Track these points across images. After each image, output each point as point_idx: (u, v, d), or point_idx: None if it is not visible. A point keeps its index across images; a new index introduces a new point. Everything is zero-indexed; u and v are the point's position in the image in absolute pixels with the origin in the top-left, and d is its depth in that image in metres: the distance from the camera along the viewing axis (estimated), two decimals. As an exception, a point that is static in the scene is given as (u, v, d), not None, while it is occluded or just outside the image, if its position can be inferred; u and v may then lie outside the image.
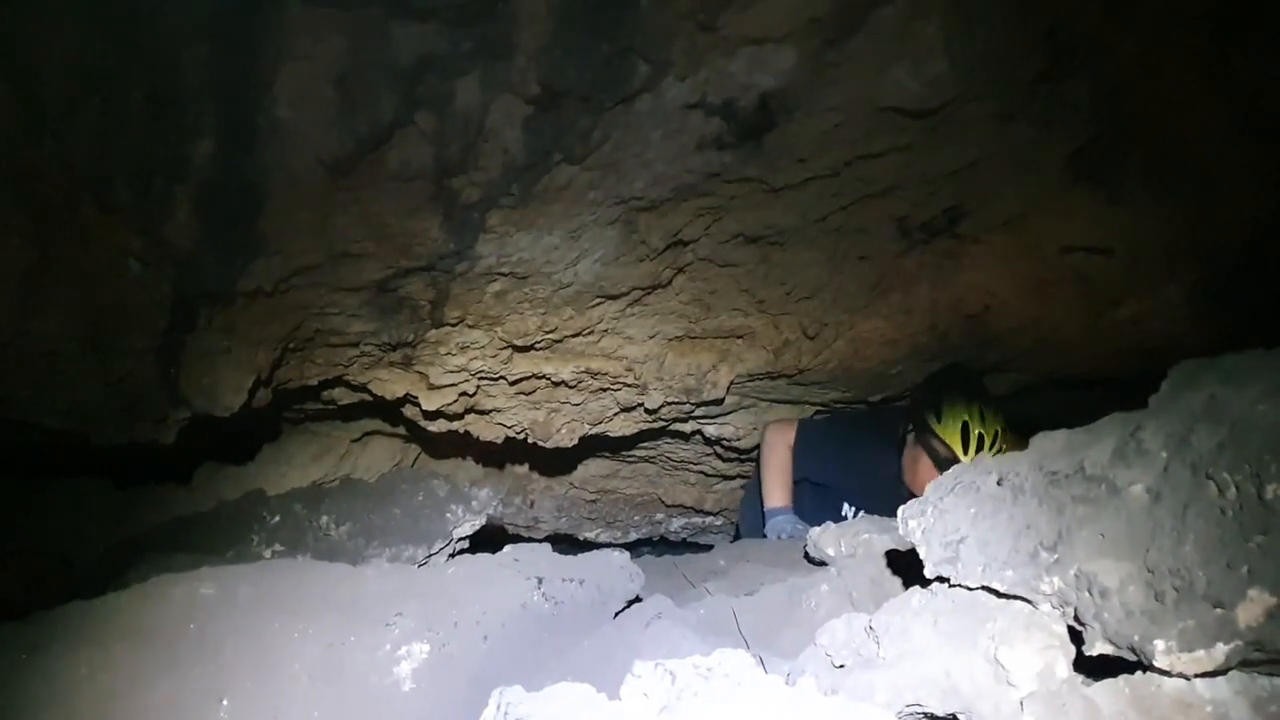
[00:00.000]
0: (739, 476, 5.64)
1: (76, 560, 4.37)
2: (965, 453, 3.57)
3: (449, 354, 3.92)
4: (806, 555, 3.16)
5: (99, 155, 2.74)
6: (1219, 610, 1.16)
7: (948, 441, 3.62)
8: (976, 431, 3.59)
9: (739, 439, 4.91)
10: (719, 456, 5.33)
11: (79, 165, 2.73)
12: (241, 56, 2.67)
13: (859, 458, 4.10)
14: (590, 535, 6.30)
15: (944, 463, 3.58)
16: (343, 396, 4.21)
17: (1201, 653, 1.17)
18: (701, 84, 2.86)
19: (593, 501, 5.97)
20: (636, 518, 6.28)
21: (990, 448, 3.59)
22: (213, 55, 2.65)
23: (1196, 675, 1.21)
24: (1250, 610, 1.14)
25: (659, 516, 6.28)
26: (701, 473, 5.68)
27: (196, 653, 1.98)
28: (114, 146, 2.74)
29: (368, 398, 4.16)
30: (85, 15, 2.53)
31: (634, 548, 6.42)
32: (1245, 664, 1.19)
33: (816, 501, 4.16)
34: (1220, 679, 1.23)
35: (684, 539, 6.60)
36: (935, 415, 3.68)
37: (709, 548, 5.42)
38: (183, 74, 2.68)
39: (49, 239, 2.81)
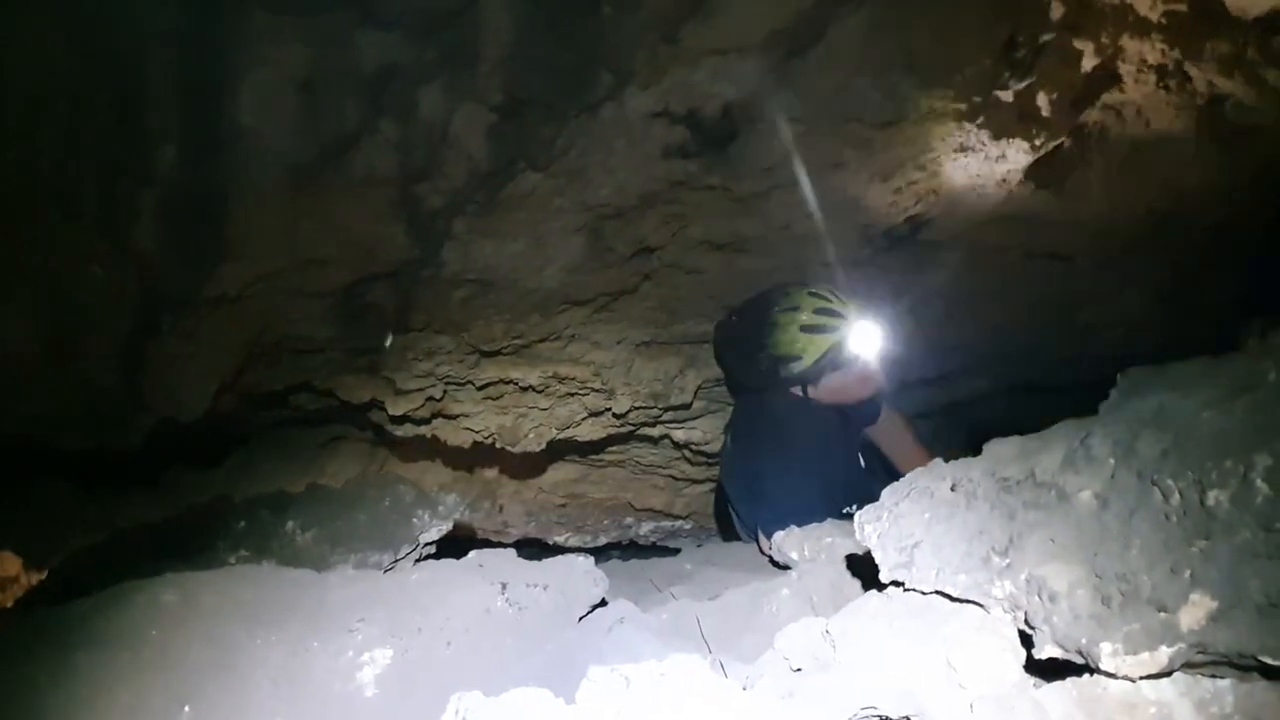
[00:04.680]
0: (708, 480, 5.65)
1: (39, 566, 4.34)
2: (840, 318, 3.46)
3: (415, 359, 3.92)
4: (771, 559, 3.17)
5: (62, 160, 2.73)
6: (1163, 614, 1.18)
7: (815, 348, 3.46)
8: (810, 314, 3.44)
9: (707, 443, 4.92)
10: (688, 460, 5.34)
11: (42, 170, 2.72)
12: (206, 63, 2.68)
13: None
14: (560, 540, 6.28)
15: (838, 357, 3.47)
16: (309, 402, 4.20)
17: (1146, 655, 1.19)
18: (665, 93, 2.88)
19: (562, 506, 5.96)
20: (606, 522, 6.27)
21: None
22: (177, 61, 2.66)
23: (1141, 677, 1.23)
24: (1192, 613, 1.16)
25: (629, 521, 6.26)
26: (670, 477, 5.68)
27: (159, 659, 1.97)
28: (78, 152, 2.73)
29: (334, 403, 4.15)
30: (49, 21, 2.52)
31: (604, 552, 6.41)
32: (1188, 666, 1.21)
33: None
34: (1164, 681, 1.25)
35: (654, 543, 6.59)
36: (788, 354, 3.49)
37: (679, 551, 5.43)
38: (147, 80, 2.68)
39: (11, 244, 2.79)
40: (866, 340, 3.46)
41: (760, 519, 3.49)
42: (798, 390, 3.57)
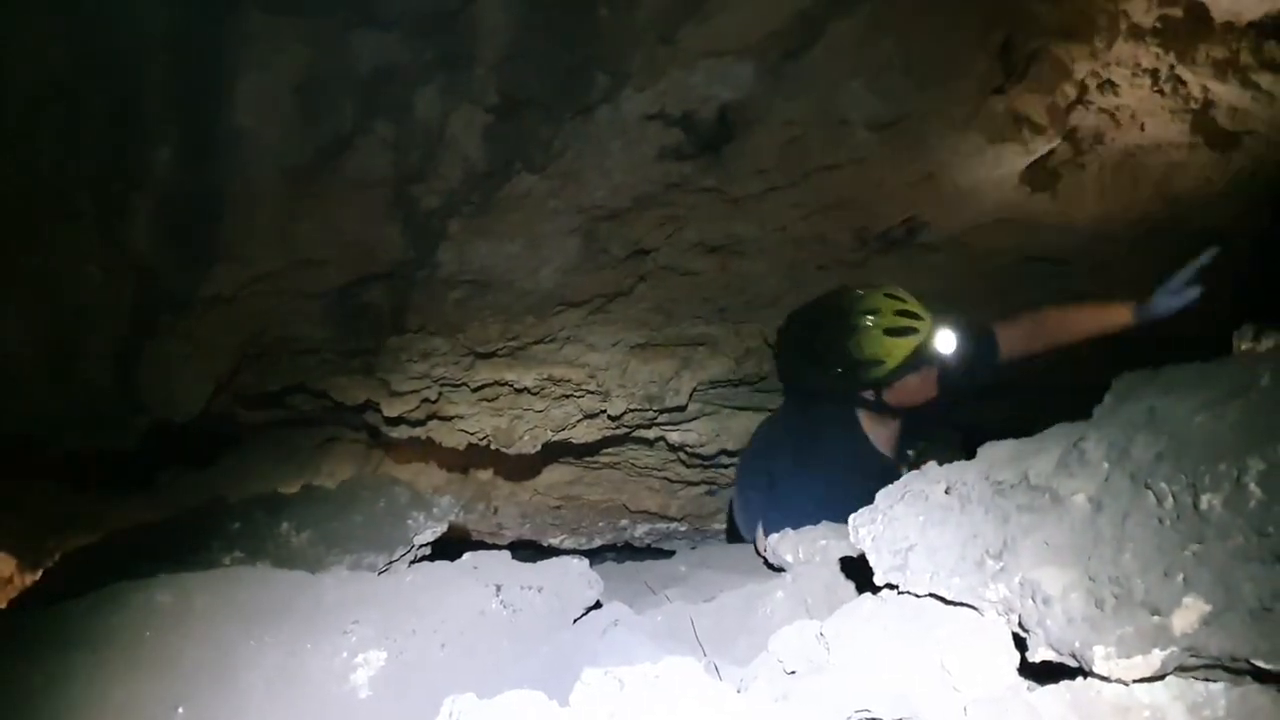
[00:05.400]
0: (703, 483, 5.65)
1: (33, 566, 4.34)
2: (921, 320, 3.31)
3: (410, 361, 3.91)
4: (766, 562, 3.17)
5: (60, 162, 2.73)
6: (1156, 617, 1.18)
7: (895, 353, 3.30)
8: (892, 316, 3.29)
9: (702, 445, 4.92)
10: (683, 463, 5.34)
11: (41, 171, 2.72)
12: (202, 65, 2.67)
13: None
14: (554, 542, 6.28)
15: (920, 359, 3.33)
16: (304, 403, 4.19)
17: (1139, 659, 1.19)
18: (661, 95, 2.89)
19: (557, 508, 5.96)
20: (601, 524, 6.27)
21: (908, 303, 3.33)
22: (173, 63, 2.65)
23: (1135, 680, 1.23)
24: (1185, 617, 1.16)
25: (623, 523, 6.26)
26: (665, 479, 5.68)
27: (153, 661, 1.98)
28: (76, 153, 2.73)
29: (329, 404, 4.15)
30: (46, 24, 2.52)
31: (599, 554, 6.41)
32: (1181, 669, 1.22)
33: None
34: (1158, 684, 1.25)
35: (649, 545, 6.59)
36: (863, 360, 3.31)
37: (674, 554, 5.43)
38: (143, 82, 2.68)
39: (9, 245, 2.80)
40: (944, 341, 3.39)
41: (769, 517, 3.45)
42: (869, 394, 3.51)
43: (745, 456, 3.95)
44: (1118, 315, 3.44)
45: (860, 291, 3.39)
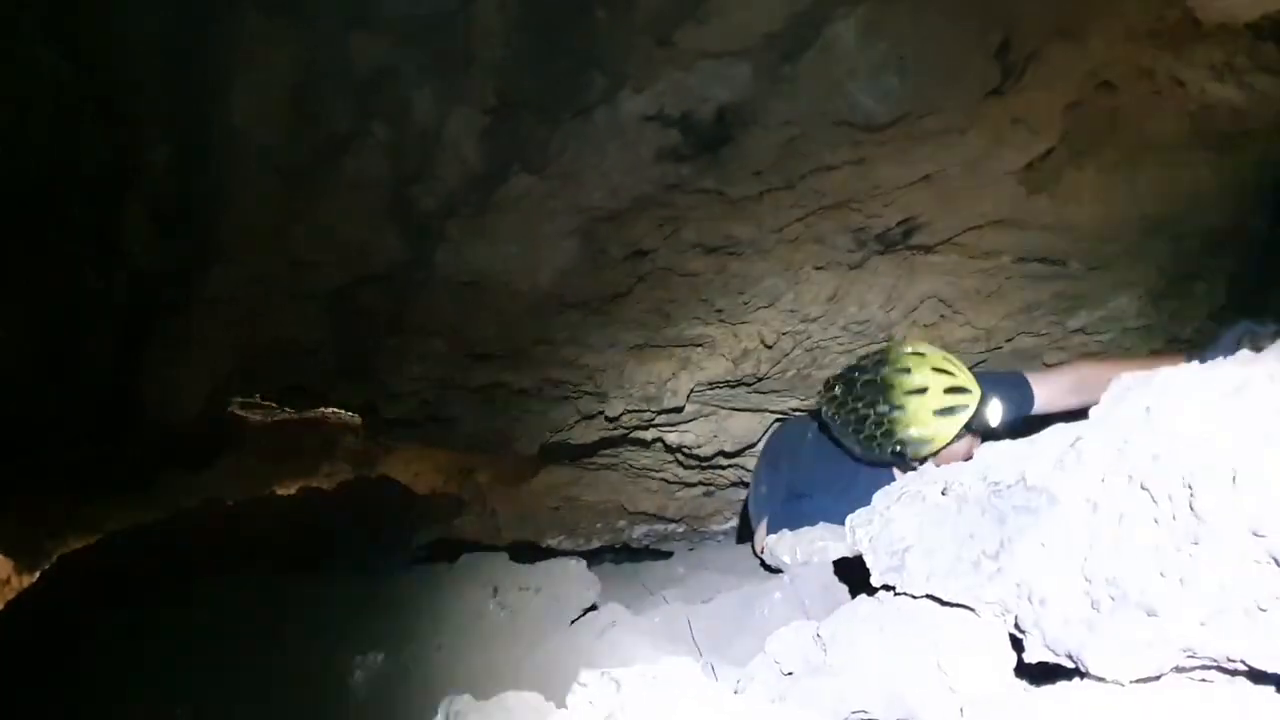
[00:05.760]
0: (700, 484, 5.64)
1: (31, 568, 4.33)
2: (969, 394, 3.03)
3: (408, 362, 3.91)
4: (762, 562, 3.17)
5: (54, 166, 2.72)
6: (1152, 618, 1.18)
7: (938, 436, 3.03)
8: (940, 395, 3.02)
9: (699, 446, 4.91)
10: (680, 464, 5.33)
11: (32, 175, 2.71)
12: (197, 66, 2.67)
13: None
14: (552, 543, 6.27)
15: (966, 431, 3.06)
16: (301, 404, 4.19)
17: (1135, 659, 1.19)
18: (658, 96, 2.89)
19: (555, 509, 5.95)
20: (599, 525, 6.26)
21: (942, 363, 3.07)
22: (168, 65, 2.65)
23: (1131, 681, 1.23)
24: (1182, 618, 1.16)
25: (621, 524, 6.25)
26: (663, 480, 5.67)
27: (153, 661, 1.98)
28: (70, 157, 2.73)
29: (327, 405, 4.15)
30: (37, 26, 2.52)
31: (596, 555, 6.40)
32: (1177, 670, 1.22)
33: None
34: (1154, 684, 1.25)
35: (646, 546, 6.58)
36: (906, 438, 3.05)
37: (671, 555, 5.42)
38: (137, 84, 2.67)
39: (4, 250, 2.79)
40: (992, 411, 3.23)
41: (780, 522, 3.38)
42: (913, 463, 3.38)
43: (776, 447, 3.83)
44: None
45: (907, 365, 3.13)
